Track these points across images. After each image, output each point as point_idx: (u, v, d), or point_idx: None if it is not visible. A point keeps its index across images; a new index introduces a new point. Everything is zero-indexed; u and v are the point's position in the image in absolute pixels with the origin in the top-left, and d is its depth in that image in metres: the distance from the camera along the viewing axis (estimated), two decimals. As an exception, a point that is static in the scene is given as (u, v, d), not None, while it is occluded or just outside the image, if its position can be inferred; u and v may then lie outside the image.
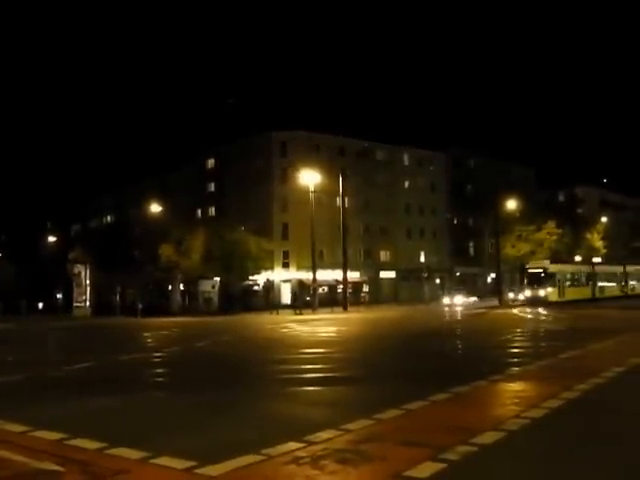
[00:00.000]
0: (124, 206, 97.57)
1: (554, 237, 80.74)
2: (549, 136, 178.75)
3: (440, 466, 6.80)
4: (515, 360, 16.61)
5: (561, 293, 62.10)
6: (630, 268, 78.71)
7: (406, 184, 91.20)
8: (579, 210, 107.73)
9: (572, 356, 16.87)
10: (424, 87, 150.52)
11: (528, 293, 62.93)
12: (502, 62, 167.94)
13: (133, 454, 7.54)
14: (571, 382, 11.98)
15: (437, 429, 8.72)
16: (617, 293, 72.56)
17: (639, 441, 8.12)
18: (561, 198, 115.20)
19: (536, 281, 61.95)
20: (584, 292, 66.11)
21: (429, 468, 6.71)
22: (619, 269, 76.65)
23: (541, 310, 48.79)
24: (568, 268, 67.51)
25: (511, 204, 75.93)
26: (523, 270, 66.90)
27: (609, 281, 73.48)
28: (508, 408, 10.37)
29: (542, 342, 22.95)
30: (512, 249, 77.75)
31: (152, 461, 7.25)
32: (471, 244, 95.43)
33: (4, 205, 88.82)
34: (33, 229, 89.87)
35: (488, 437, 8.03)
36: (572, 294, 62.92)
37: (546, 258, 72.45)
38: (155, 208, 69.67)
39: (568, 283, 64.76)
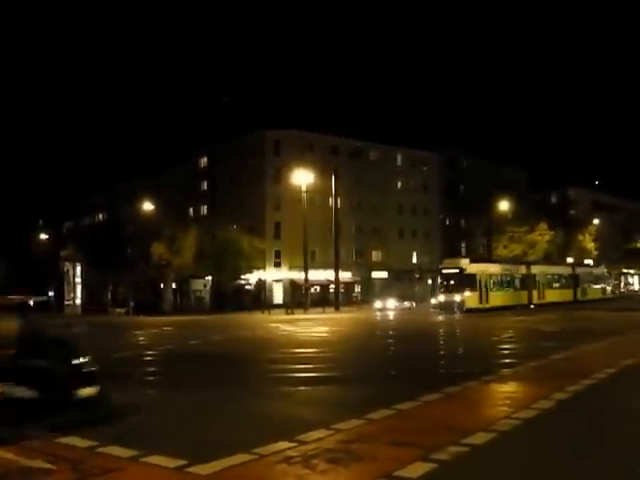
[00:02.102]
0: (116, 204, 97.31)
1: (546, 238, 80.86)
2: (542, 138, 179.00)
3: (431, 466, 6.81)
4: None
5: (483, 298, 51.73)
6: (581, 270, 70.33)
7: (399, 184, 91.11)
8: (571, 212, 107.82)
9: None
10: (418, 87, 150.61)
11: (442, 298, 52.27)
12: (496, 64, 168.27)
13: (124, 453, 7.54)
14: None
15: (428, 429, 8.74)
16: (565, 298, 62.42)
17: (629, 441, 8.15)
18: (553, 200, 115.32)
19: (451, 284, 51.82)
20: (517, 297, 56.44)
21: (420, 468, 6.72)
22: (567, 270, 67.52)
23: (441, 318, 44.15)
24: (494, 269, 56.35)
25: (504, 205, 76.03)
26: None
27: (554, 284, 63.69)
28: (499, 409, 10.40)
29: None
30: (504, 250, 77.83)
31: (143, 460, 7.26)
32: (463, 245, 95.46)
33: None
34: (25, 226, 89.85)
35: (479, 437, 8.05)
36: (499, 300, 53.32)
37: (538, 259, 72.39)
38: (147, 206, 69.54)
39: (494, 287, 54.27)
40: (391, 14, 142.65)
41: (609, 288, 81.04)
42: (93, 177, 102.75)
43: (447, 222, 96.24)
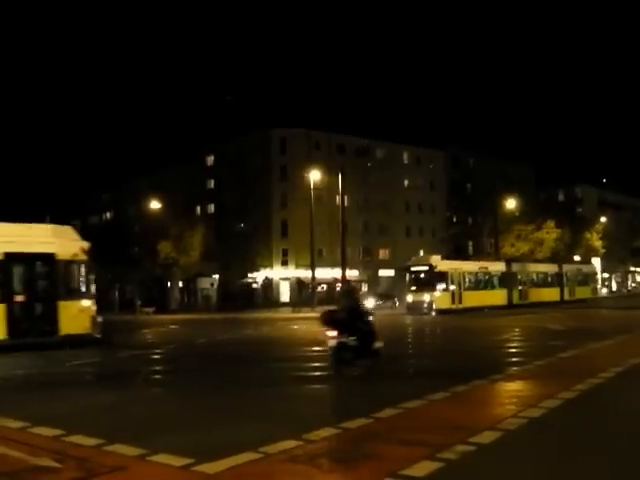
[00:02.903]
0: (123, 202, 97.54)
1: (553, 236, 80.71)
2: (549, 135, 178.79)
3: (437, 465, 6.79)
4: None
5: (456, 299, 48.87)
6: (568, 268, 66.70)
7: (405, 182, 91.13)
8: (578, 210, 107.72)
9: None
10: (424, 85, 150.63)
11: (410, 298, 49.35)
12: (502, 61, 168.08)
13: (130, 451, 7.54)
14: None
15: (434, 428, 8.73)
16: (551, 297, 59.71)
17: (637, 440, 8.12)
18: (561, 198, 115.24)
19: (420, 282, 48.77)
20: (496, 297, 53.06)
21: (426, 467, 6.70)
22: (552, 268, 64.09)
23: (408, 320, 40.66)
24: (468, 266, 53.48)
25: (510, 203, 75.86)
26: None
27: (538, 283, 60.47)
28: (506, 407, 10.38)
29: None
30: (511, 248, 77.69)
31: (149, 458, 7.25)
32: (470, 243, 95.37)
33: (2, 200, 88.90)
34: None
35: (485, 437, 8.04)
36: (475, 300, 50.07)
37: (545, 258, 72.20)
38: (154, 205, 69.67)
39: (469, 286, 51.48)
40: (398, 11, 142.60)
41: (600, 287, 78.99)
42: (100, 176, 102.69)
43: (454, 220, 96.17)
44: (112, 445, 7.82)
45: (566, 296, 62.43)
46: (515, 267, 57.42)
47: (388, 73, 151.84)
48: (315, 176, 59.77)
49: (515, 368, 14.89)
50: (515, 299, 55.43)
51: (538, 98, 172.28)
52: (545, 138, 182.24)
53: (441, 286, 48.05)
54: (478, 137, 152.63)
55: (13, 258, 22.18)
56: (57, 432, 8.66)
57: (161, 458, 7.23)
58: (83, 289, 24.24)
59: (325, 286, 73.47)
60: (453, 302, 48.50)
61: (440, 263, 49.05)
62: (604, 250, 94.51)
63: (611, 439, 8.19)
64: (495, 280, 54.81)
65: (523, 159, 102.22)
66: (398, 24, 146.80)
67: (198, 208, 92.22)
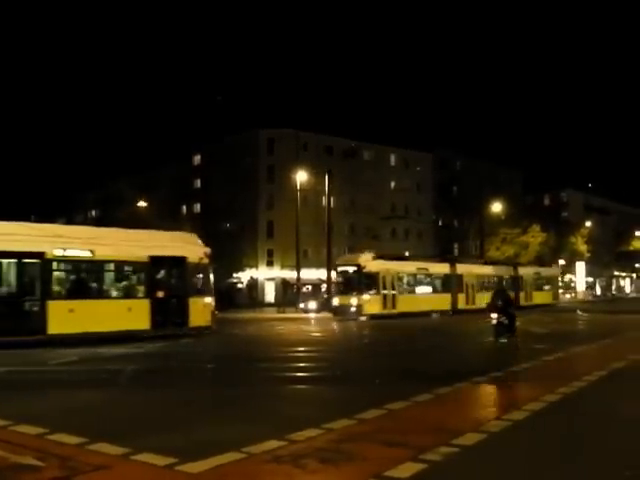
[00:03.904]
0: (109, 201, 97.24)
1: (538, 240, 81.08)
2: (536, 140, 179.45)
3: (421, 466, 6.81)
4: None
5: (389, 303, 43.83)
6: (525, 270, 62.13)
7: (392, 184, 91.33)
8: (564, 214, 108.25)
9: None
10: (412, 88, 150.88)
11: (336, 301, 44.87)
12: (491, 65, 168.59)
13: (114, 450, 7.52)
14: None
15: (418, 430, 8.75)
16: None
17: (618, 444, 8.16)
18: (546, 202, 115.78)
19: (347, 284, 44.34)
20: (437, 302, 48.63)
21: (410, 468, 6.72)
22: (507, 271, 59.30)
23: (335, 325, 37.36)
24: (404, 267, 47.91)
25: (497, 207, 76.10)
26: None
27: (490, 286, 53.11)
28: (489, 410, 10.42)
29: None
30: (497, 251, 78.07)
31: (133, 457, 7.23)
32: (456, 246, 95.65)
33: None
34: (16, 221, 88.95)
35: (469, 438, 8.06)
36: (412, 304, 45.45)
37: (531, 261, 72.28)
38: (140, 203, 69.45)
39: (405, 289, 47.04)
40: (385, 14, 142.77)
41: (562, 292, 73.93)
42: (86, 174, 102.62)
43: (440, 223, 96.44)
44: (96, 444, 7.80)
45: (522, 301, 56.59)
46: (461, 269, 52.69)
47: (376, 75, 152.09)
48: (302, 177, 59.74)
49: (499, 372, 14.94)
50: (461, 304, 50.76)
51: (526, 102, 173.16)
52: (532, 142, 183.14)
53: (371, 288, 43.23)
54: (465, 140, 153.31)
55: (155, 260, 26.39)
56: (40, 430, 8.63)
57: (145, 457, 7.20)
58: (206, 287, 28.64)
59: (310, 287, 73.48)
60: (385, 306, 43.46)
61: (370, 263, 43.78)
62: (589, 254, 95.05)
63: (595, 443, 8.24)
64: (437, 283, 50.35)
65: (510, 163, 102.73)
66: (387, 27, 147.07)
67: (184, 207, 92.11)
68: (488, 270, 57.22)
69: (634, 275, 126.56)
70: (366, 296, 42.60)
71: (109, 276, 26.42)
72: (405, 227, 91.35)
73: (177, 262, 27.10)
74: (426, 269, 49.77)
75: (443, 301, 49.27)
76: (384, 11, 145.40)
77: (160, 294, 26.35)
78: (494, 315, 22.21)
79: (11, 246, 22.73)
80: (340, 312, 42.86)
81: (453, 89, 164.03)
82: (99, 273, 25.77)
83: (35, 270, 23.76)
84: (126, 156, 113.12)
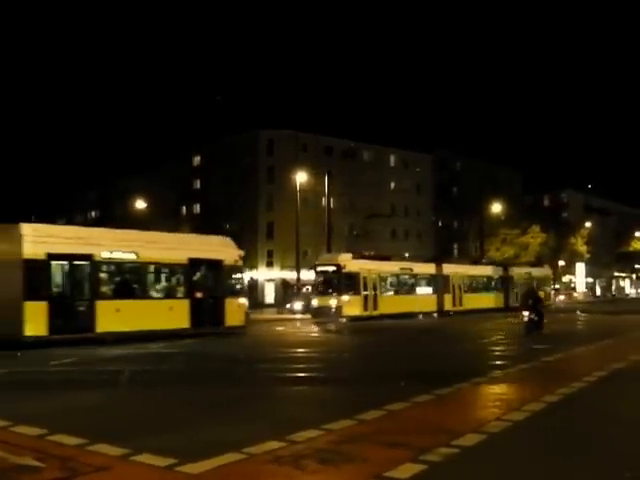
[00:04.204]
0: (109, 201, 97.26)
1: (538, 241, 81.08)
2: (536, 140, 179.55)
3: (421, 467, 6.81)
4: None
5: (370, 304, 42.30)
6: (516, 271, 60.42)
7: (392, 185, 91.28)
8: (564, 214, 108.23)
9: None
10: (412, 88, 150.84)
11: (315, 302, 43.06)
12: (490, 66, 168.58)
13: (114, 451, 7.51)
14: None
15: (418, 430, 8.75)
16: (493, 304, 54.01)
17: (618, 445, 8.16)
18: (546, 202, 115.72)
19: (326, 284, 42.72)
20: (423, 303, 47.43)
21: (410, 469, 6.72)
22: (496, 271, 57.75)
23: (315, 328, 35.29)
24: (386, 267, 45.94)
25: (496, 207, 76.05)
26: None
27: (479, 287, 54.92)
28: (489, 410, 10.42)
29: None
30: (496, 252, 78.08)
31: (132, 458, 7.23)
32: (455, 246, 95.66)
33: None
34: (17, 222, 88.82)
35: (469, 439, 8.06)
36: (395, 306, 43.90)
37: (530, 262, 72.21)
38: (140, 204, 69.39)
39: (388, 289, 45.59)
40: (385, 14, 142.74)
41: (554, 293, 71.56)
42: (86, 174, 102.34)
43: (440, 223, 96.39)
44: (96, 445, 7.79)
45: (513, 302, 54.46)
46: (447, 269, 51.11)
47: (376, 76, 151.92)
48: (302, 178, 59.66)
49: (499, 371, 14.94)
50: (447, 305, 49.48)
51: (526, 103, 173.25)
52: (532, 143, 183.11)
53: (350, 289, 41.48)
54: (465, 141, 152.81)
55: (195, 263, 27.95)
56: (40, 431, 8.63)
57: (145, 458, 7.20)
58: (240, 289, 30.76)
59: (310, 287, 73.42)
60: (366, 308, 41.88)
61: (350, 262, 42.24)
62: (589, 255, 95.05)
63: (595, 443, 8.24)
64: (423, 283, 49.00)
65: (510, 163, 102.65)
66: (386, 27, 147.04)
67: (184, 208, 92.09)
68: (477, 270, 56.02)
69: (634, 276, 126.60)
70: (345, 297, 40.95)
71: (152, 277, 27.90)
72: (405, 228, 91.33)
73: (214, 264, 28.60)
74: (410, 269, 48.52)
75: (428, 302, 47.97)
76: (384, 11, 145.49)
77: (199, 295, 27.90)
78: (526, 313, 25.97)
79: (63, 249, 23.88)
80: (319, 314, 41.28)
81: (452, 90, 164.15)
82: (143, 275, 27.18)
83: (84, 272, 25.03)
84: (126, 156, 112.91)
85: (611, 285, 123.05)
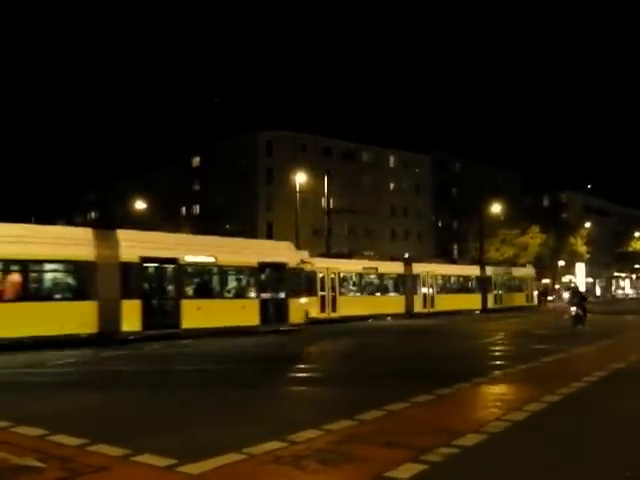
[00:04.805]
0: (108, 202, 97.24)
1: (538, 241, 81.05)
2: (535, 141, 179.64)
3: (421, 467, 6.81)
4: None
5: (327, 306, 40.26)
6: (494, 271, 57.03)
7: (391, 186, 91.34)
8: (563, 215, 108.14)
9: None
10: (411, 90, 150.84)
11: None
12: (490, 67, 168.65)
13: (114, 451, 7.51)
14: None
15: (419, 431, 8.75)
16: (469, 305, 51.63)
17: (618, 445, 8.17)
18: (546, 203, 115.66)
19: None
20: (390, 304, 44.96)
21: (410, 469, 6.71)
22: (472, 271, 54.64)
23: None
24: (348, 266, 43.60)
25: (496, 208, 76.03)
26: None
27: (452, 288, 51.77)
28: (489, 411, 10.42)
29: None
30: (496, 252, 78.02)
31: (133, 458, 7.23)
32: (455, 247, 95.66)
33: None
34: (17, 222, 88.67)
35: (470, 439, 8.06)
36: (357, 307, 41.80)
37: (530, 262, 72.17)
38: (139, 205, 69.41)
39: (351, 290, 43.47)
40: (384, 15, 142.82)
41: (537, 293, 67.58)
42: (85, 175, 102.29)
43: (439, 224, 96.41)
44: (96, 445, 7.79)
45: (491, 304, 53.57)
46: (418, 268, 48.23)
47: (375, 77, 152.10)
48: (301, 179, 59.69)
49: (499, 372, 14.94)
50: (418, 307, 47.15)
51: (525, 103, 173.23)
52: (531, 143, 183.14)
53: (308, 290, 37.76)
54: (464, 142, 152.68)
55: (264, 266, 30.63)
56: (40, 432, 8.63)
57: (145, 458, 7.20)
58: (302, 289, 32.82)
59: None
60: (323, 310, 39.71)
61: (307, 260, 38.02)
62: (588, 255, 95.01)
63: (595, 443, 8.24)
64: (390, 284, 46.22)
65: (509, 164, 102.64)
66: (386, 28, 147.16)
67: (183, 209, 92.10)
68: (451, 270, 52.72)
69: (634, 276, 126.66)
70: (302, 299, 37.01)
71: (228, 279, 30.57)
72: (405, 228, 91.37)
73: (280, 267, 31.20)
74: (375, 269, 45.12)
75: (396, 303, 45.55)
76: (383, 12, 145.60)
77: (267, 295, 30.59)
78: (573, 308, 31.34)
79: (153, 253, 26.59)
80: None
81: (451, 91, 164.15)
82: (220, 276, 29.89)
83: (171, 274, 27.72)
84: (125, 157, 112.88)
85: (611, 285, 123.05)
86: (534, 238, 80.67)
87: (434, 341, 27.38)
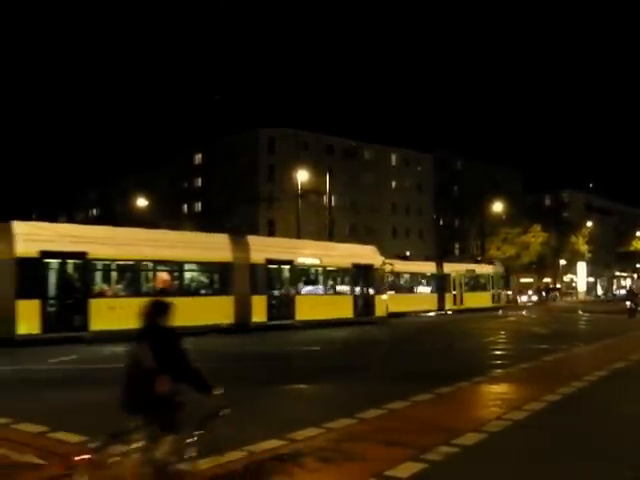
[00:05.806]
0: (110, 200, 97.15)
1: (539, 240, 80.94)
2: (537, 140, 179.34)
3: (421, 466, 6.82)
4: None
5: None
6: (453, 268, 52.27)
7: (393, 184, 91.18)
8: (565, 214, 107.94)
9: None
10: (413, 88, 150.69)
11: None
12: (491, 65, 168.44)
13: (114, 448, 7.49)
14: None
15: (419, 429, 8.75)
16: (424, 306, 47.46)
17: (618, 444, 8.17)
18: (547, 202, 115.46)
19: None
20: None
21: (410, 468, 6.73)
22: (427, 268, 50.25)
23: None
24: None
25: (497, 206, 75.89)
26: None
27: (403, 287, 45.95)
28: (490, 410, 10.42)
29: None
30: (497, 251, 77.92)
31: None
32: (456, 245, 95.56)
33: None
34: (18, 220, 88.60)
35: (469, 438, 8.07)
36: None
37: (531, 262, 71.87)
38: (141, 202, 69.38)
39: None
40: (385, 14, 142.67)
41: (505, 293, 63.06)
42: (87, 172, 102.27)
43: (440, 222, 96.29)
44: (96, 442, 7.78)
45: (449, 304, 49.40)
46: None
47: (376, 75, 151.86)
48: (303, 176, 59.64)
49: (499, 371, 14.94)
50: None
51: (526, 102, 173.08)
52: (533, 142, 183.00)
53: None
54: (466, 140, 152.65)
55: (356, 267, 35.15)
56: (41, 429, 8.63)
57: (145, 456, 7.19)
58: (384, 287, 37.16)
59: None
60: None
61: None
62: (590, 255, 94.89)
63: (595, 443, 8.24)
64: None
65: (510, 163, 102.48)
66: (386, 27, 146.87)
67: (185, 206, 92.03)
68: (404, 267, 46.93)
69: (635, 275, 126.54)
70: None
71: (330, 277, 34.82)
72: (406, 226, 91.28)
73: (368, 268, 35.60)
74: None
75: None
76: (384, 11, 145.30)
77: (358, 292, 35.13)
78: (628, 302, 40.23)
79: (273, 256, 30.74)
80: None
81: (453, 89, 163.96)
82: (325, 276, 34.41)
83: (288, 273, 32.06)
84: (127, 155, 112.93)
85: (612, 285, 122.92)
86: (535, 237, 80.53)
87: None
